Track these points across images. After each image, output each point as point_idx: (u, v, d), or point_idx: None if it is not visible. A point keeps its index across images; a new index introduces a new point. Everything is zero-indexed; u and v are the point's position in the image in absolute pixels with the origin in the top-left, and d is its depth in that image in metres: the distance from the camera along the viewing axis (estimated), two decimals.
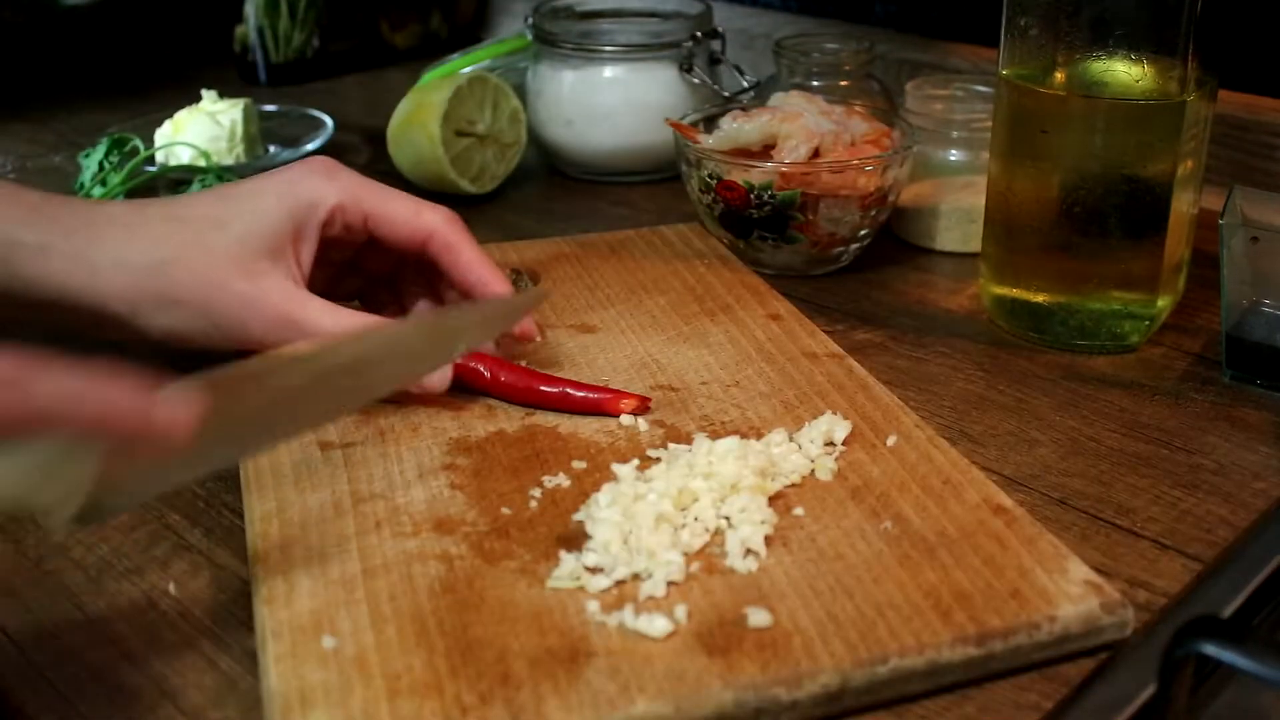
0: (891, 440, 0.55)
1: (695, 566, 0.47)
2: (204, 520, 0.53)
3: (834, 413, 0.56)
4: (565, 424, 0.57)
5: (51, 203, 0.57)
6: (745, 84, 0.91)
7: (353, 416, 0.57)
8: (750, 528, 0.48)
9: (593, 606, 0.45)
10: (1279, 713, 0.46)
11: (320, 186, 0.58)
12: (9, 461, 0.37)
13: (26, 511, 0.39)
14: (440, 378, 0.57)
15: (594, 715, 0.40)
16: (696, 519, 0.49)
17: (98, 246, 0.55)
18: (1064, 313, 0.67)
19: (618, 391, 0.58)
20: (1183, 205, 0.65)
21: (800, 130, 0.73)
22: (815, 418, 0.56)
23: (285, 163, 0.96)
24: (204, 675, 0.45)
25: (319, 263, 0.59)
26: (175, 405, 0.39)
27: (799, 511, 0.50)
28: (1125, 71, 0.62)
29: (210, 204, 0.58)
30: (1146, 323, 0.66)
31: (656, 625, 0.43)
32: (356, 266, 0.64)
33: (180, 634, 0.47)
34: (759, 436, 0.55)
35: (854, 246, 0.76)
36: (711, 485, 0.50)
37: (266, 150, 0.97)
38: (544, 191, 0.93)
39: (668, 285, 0.71)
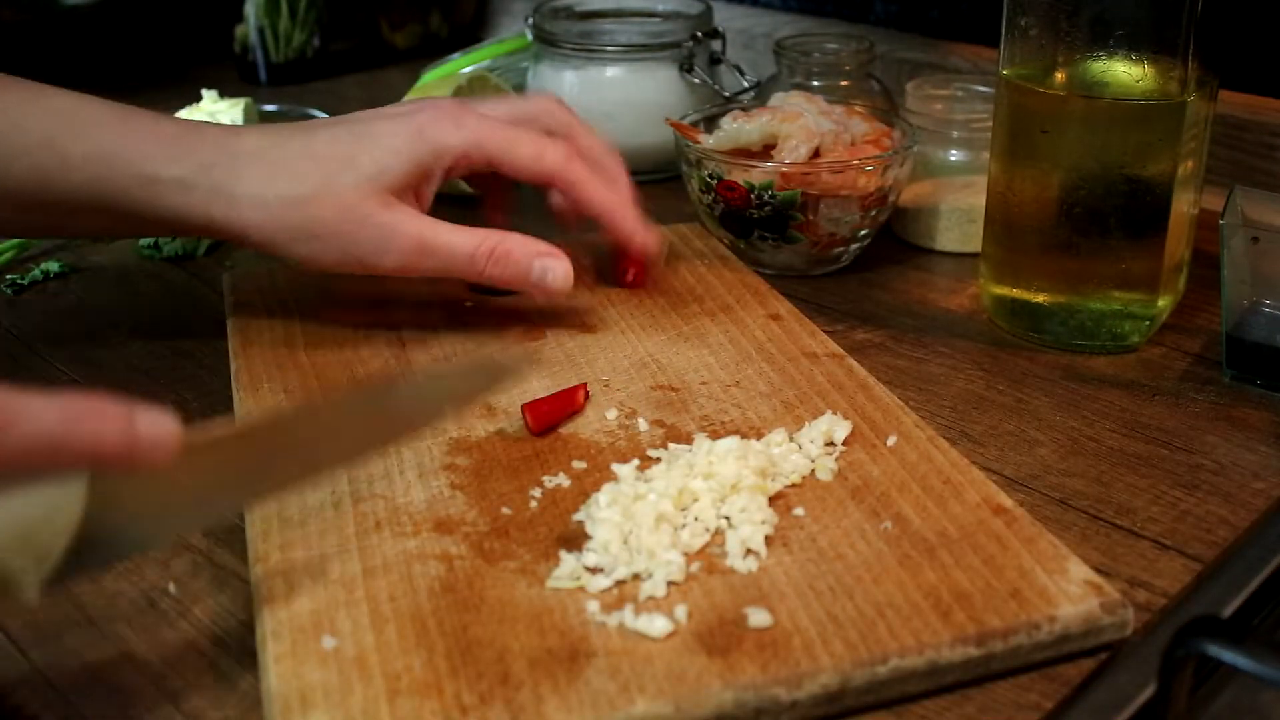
0: (891, 440, 0.55)
1: (695, 566, 0.47)
2: None
3: (834, 413, 0.56)
4: (565, 424, 0.57)
5: (190, 134, 0.60)
6: (745, 84, 0.91)
7: None
8: (750, 528, 0.48)
9: (593, 606, 0.45)
10: (1279, 713, 0.46)
11: (448, 134, 0.60)
12: None
13: None
14: (564, 274, 0.62)
15: (594, 715, 0.40)
16: (696, 519, 0.49)
17: (237, 181, 0.58)
18: (1064, 313, 0.67)
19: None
20: (1183, 205, 0.65)
21: (800, 130, 0.73)
22: (815, 418, 0.56)
23: None
24: (204, 675, 0.45)
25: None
26: (157, 423, 0.39)
27: (799, 511, 0.50)
28: (1125, 71, 0.62)
29: (344, 143, 0.60)
30: (1146, 323, 0.66)
31: (656, 625, 0.43)
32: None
33: (180, 634, 0.47)
34: (759, 436, 0.55)
35: (854, 246, 0.76)
36: (711, 485, 0.50)
37: None
38: (544, 191, 0.93)
39: (668, 285, 0.71)
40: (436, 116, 0.61)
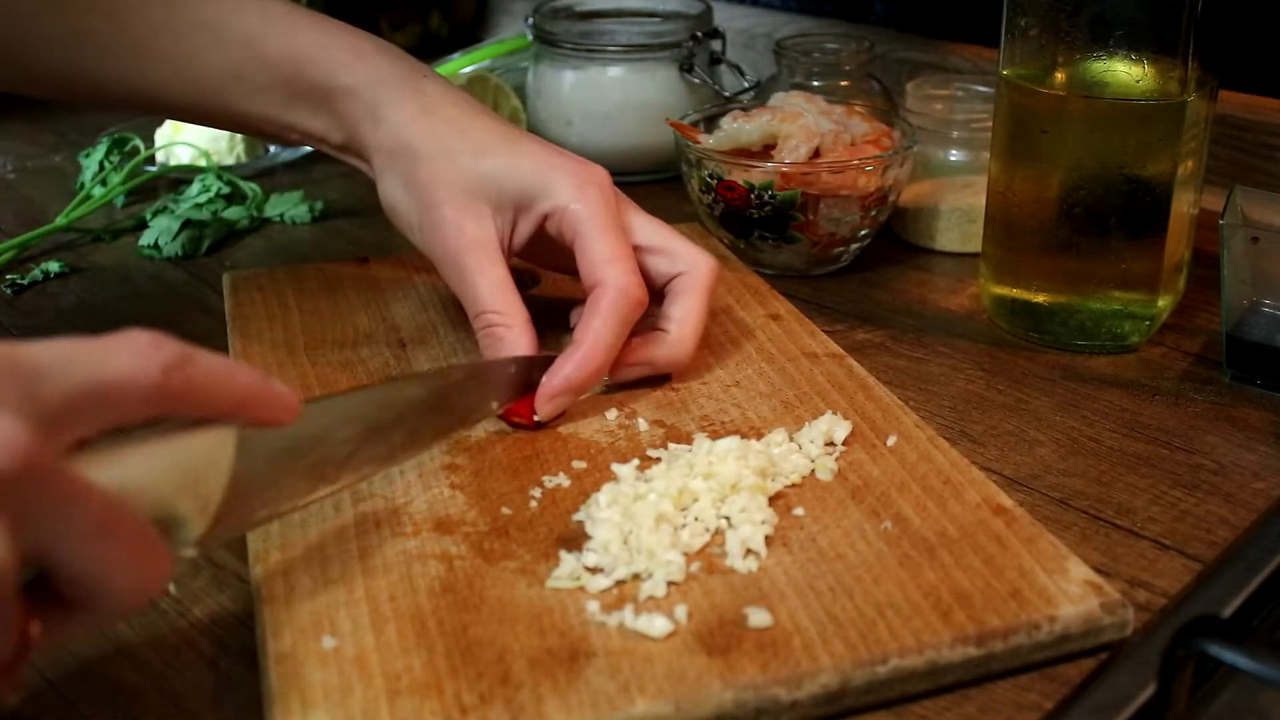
0: (891, 440, 0.55)
1: (695, 566, 0.47)
2: None
3: (834, 413, 0.56)
4: (565, 424, 0.57)
5: (380, 53, 0.63)
6: (745, 84, 0.91)
7: None
8: (750, 528, 0.48)
9: (593, 606, 0.45)
10: (1279, 713, 0.46)
11: (566, 187, 0.59)
12: (161, 459, 0.38)
13: (165, 519, 0.39)
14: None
15: (594, 715, 0.40)
16: (696, 519, 0.49)
17: (392, 106, 0.61)
18: (1064, 313, 0.67)
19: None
20: (1183, 205, 0.65)
21: (800, 130, 0.73)
22: (815, 418, 0.56)
23: (285, 163, 0.97)
24: (204, 675, 0.45)
25: (538, 247, 0.61)
26: (286, 388, 0.42)
27: (799, 511, 0.50)
28: (1125, 71, 0.62)
29: (492, 135, 0.61)
30: (1146, 323, 0.66)
31: (656, 625, 0.43)
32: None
33: (180, 634, 0.47)
34: (759, 436, 0.55)
35: (854, 246, 0.76)
36: (711, 485, 0.50)
37: (266, 150, 0.97)
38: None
39: None
40: (573, 170, 0.59)
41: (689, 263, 0.60)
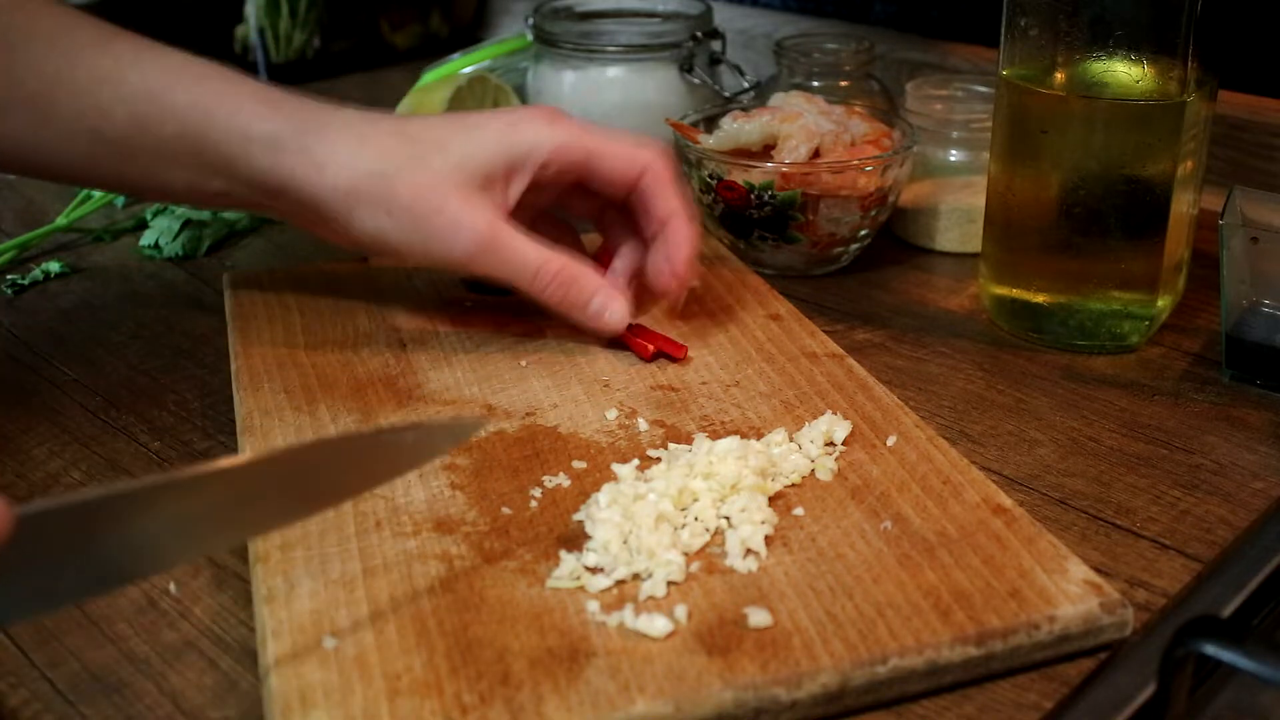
0: (891, 440, 0.55)
1: (695, 566, 0.47)
2: None
3: (834, 413, 0.56)
4: (565, 424, 0.57)
5: (289, 100, 0.61)
6: (745, 84, 0.91)
7: (352, 416, 0.57)
8: (750, 528, 0.48)
9: (593, 606, 0.45)
10: (1279, 713, 0.46)
11: (541, 130, 0.60)
12: None
13: None
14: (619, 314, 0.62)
15: (594, 715, 0.40)
16: (696, 519, 0.49)
17: (327, 147, 0.59)
18: (1064, 313, 0.67)
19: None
20: (1183, 205, 0.65)
21: (800, 130, 0.73)
22: (815, 418, 0.56)
23: None
24: (204, 675, 0.45)
25: (519, 207, 0.61)
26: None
27: (799, 511, 0.50)
28: (1125, 72, 0.62)
29: (436, 128, 0.60)
30: (1146, 323, 0.66)
31: (656, 625, 0.43)
32: (556, 212, 0.66)
33: (180, 634, 0.47)
34: (759, 436, 0.55)
35: (854, 246, 0.76)
36: (711, 485, 0.50)
37: None
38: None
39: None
40: (532, 116, 0.61)
41: (644, 160, 0.61)
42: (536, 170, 0.60)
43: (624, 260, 0.65)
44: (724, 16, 1.00)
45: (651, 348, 0.62)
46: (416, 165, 0.59)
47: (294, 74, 1.20)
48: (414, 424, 0.53)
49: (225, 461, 0.41)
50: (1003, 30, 0.65)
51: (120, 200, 0.88)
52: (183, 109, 0.59)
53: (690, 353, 0.63)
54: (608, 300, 0.61)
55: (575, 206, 0.66)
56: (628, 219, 0.65)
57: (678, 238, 0.61)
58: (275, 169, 0.59)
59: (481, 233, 0.59)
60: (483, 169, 0.59)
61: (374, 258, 0.74)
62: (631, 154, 0.61)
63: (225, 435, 0.60)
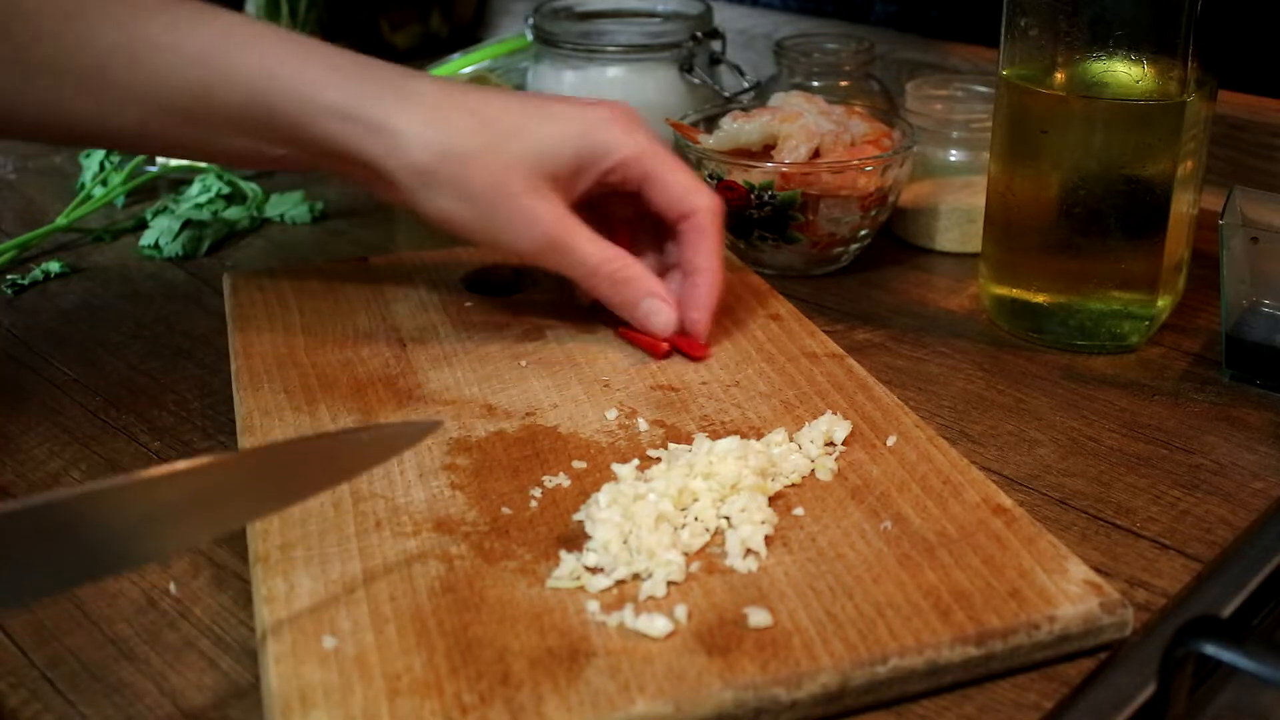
0: (891, 440, 0.55)
1: (695, 566, 0.47)
2: None
3: (834, 413, 0.56)
4: (565, 424, 0.57)
5: (358, 65, 0.59)
6: (745, 84, 0.91)
7: (352, 416, 0.57)
8: (750, 528, 0.48)
9: (593, 606, 0.45)
10: (1279, 712, 0.46)
11: (619, 138, 0.60)
12: None
13: None
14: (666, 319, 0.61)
15: (594, 715, 0.40)
16: (696, 519, 0.49)
17: (400, 120, 0.58)
18: (1064, 313, 0.67)
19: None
20: (1183, 205, 0.65)
21: (800, 130, 0.73)
22: (815, 418, 0.56)
23: None
24: (204, 675, 0.45)
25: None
26: None
27: (799, 511, 0.50)
28: (1125, 72, 0.62)
29: (514, 112, 0.60)
30: (1146, 323, 0.66)
31: (656, 625, 0.43)
32: (597, 207, 0.65)
33: (180, 634, 0.47)
34: (759, 436, 0.55)
35: (854, 246, 0.76)
36: (711, 485, 0.50)
37: None
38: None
39: None
40: (612, 119, 0.60)
41: (693, 205, 0.61)
42: (602, 174, 0.60)
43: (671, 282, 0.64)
44: (724, 16, 1.00)
45: (666, 346, 0.62)
46: (491, 150, 0.58)
47: None
48: (370, 425, 0.54)
49: (186, 463, 0.41)
50: (1003, 30, 0.65)
51: (120, 200, 0.88)
52: (245, 76, 0.58)
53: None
54: (659, 304, 0.61)
55: (615, 207, 0.65)
56: (659, 236, 0.65)
57: (697, 295, 0.62)
58: (344, 138, 0.58)
59: (551, 227, 0.59)
60: (556, 163, 0.59)
61: (375, 257, 0.74)
62: (684, 195, 0.61)
63: (225, 435, 0.60)
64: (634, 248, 0.65)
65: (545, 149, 0.59)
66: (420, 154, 0.58)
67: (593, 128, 0.60)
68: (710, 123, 0.78)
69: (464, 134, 0.58)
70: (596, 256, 0.60)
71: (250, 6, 1.17)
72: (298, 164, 0.61)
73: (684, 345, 0.62)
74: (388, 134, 0.58)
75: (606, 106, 0.61)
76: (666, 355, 0.62)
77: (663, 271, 0.65)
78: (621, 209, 0.65)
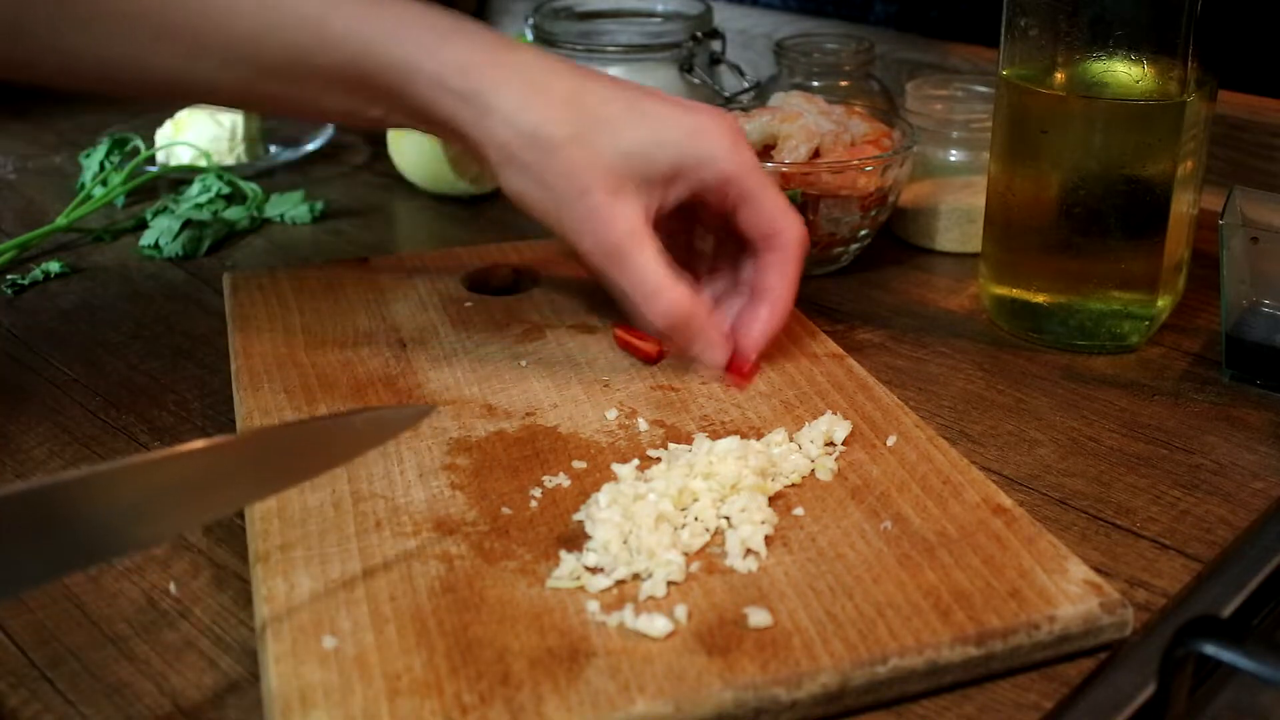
0: (891, 440, 0.55)
1: (695, 566, 0.47)
2: None
3: (834, 413, 0.56)
4: (565, 424, 0.57)
5: (457, 32, 0.57)
6: (745, 84, 0.91)
7: None
8: (750, 528, 0.48)
9: (593, 606, 0.45)
10: (1279, 712, 0.46)
11: (722, 150, 0.57)
12: None
13: None
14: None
15: (594, 715, 0.40)
16: (696, 519, 0.49)
17: (495, 94, 0.56)
18: (1064, 313, 0.67)
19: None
20: (1183, 205, 0.65)
21: (800, 130, 0.73)
22: (815, 418, 0.56)
23: (286, 163, 0.97)
24: (204, 675, 0.45)
25: None
26: None
27: (799, 511, 0.50)
28: (1125, 72, 0.62)
29: (613, 103, 0.57)
30: (1146, 323, 0.66)
31: (656, 625, 0.43)
32: (685, 213, 0.63)
33: (180, 634, 0.47)
34: (759, 436, 0.55)
35: (854, 246, 0.76)
36: (711, 485, 0.50)
37: (267, 150, 0.97)
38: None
39: None
40: (719, 128, 0.57)
41: (780, 229, 0.59)
42: (699, 186, 0.58)
43: (728, 309, 0.62)
44: (724, 16, 1.00)
45: (656, 352, 0.62)
46: (580, 142, 0.56)
47: None
48: (365, 409, 0.53)
49: (181, 447, 0.41)
50: (1003, 30, 0.65)
51: (120, 200, 0.88)
52: (341, 38, 0.56)
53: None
54: (708, 345, 0.59)
55: (703, 215, 0.63)
56: (739, 251, 0.62)
57: (757, 318, 0.59)
58: (439, 106, 0.57)
59: (617, 235, 0.56)
60: (648, 167, 0.56)
61: (375, 257, 0.74)
62: (775, 217, 0.59)
63: (225, 435, 0.60)
64: (715, 261, 0.63)
65: (639, 149, 0.56)
66: (506, 132, 0.56)
67: (696, 136, 0.57)
68: None
69: (555, 120, 0.56)
70: (655, 281, 0.56)
71: None
72: (396, 124, 0.61)
73: (729, 368, 0.60)
74: (480, 107, 0.56)
75: (710, 114, 0.58)
76: (657, 361, 0.62)
77: (733, 288, 0.63)
78: (710, 218, 0.62)
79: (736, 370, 0.60)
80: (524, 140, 0.56)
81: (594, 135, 0.56)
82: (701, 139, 0.57)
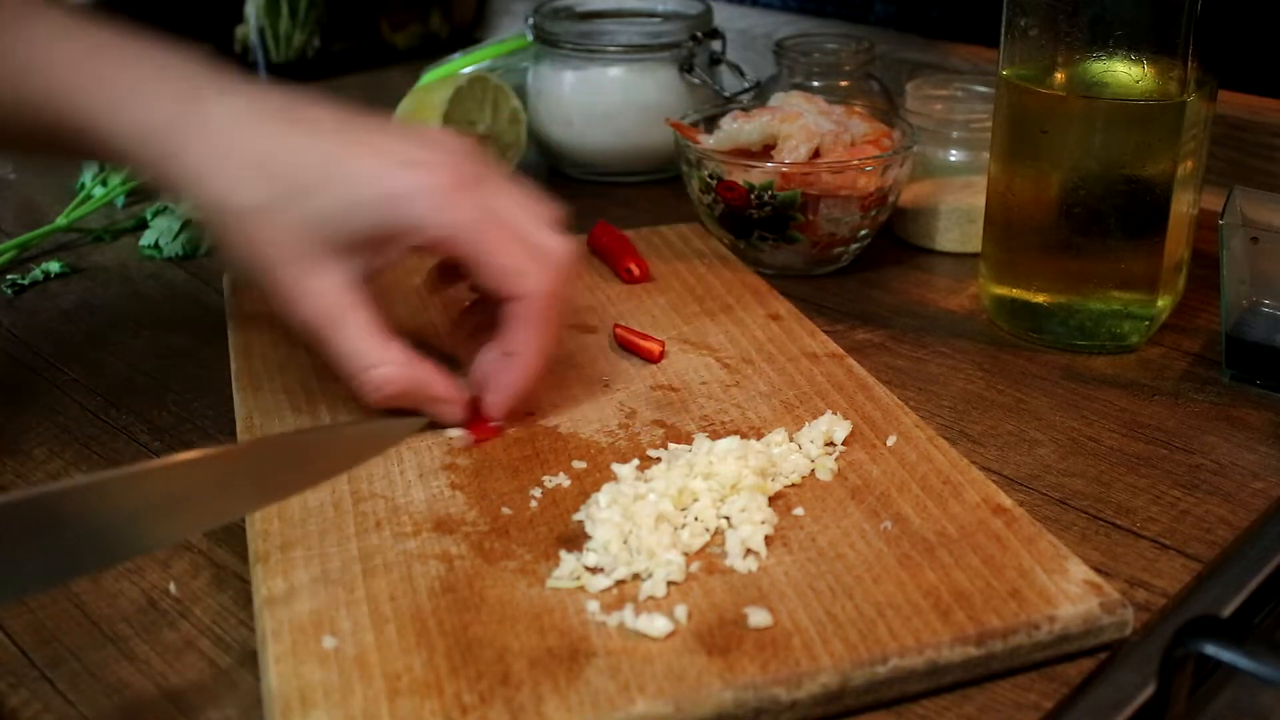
0: (891, 440, 0.55)
1: (695, 566, 0.47)
2: None
3: (834, 413, 0.56)
4: (565, 424, 0.57)
5: (167, 80, 0.53)
6: (745, 84, 0.91)
7: (352, 417, 0.57)
8: (750, 528, 0.48)
9: (593, 606, 0.45)
10: (1279, 713, 0.46)
11: (428, 216, 0.51)
12: None
13: None
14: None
15: (594, 715, 0.40)
16: (696, 519, 0.49)
17: (179, 159, 0.52)
18: (1064, 313, 0.67)
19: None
20: (1183, 205, 0.65)
21: (800, 130, 0.73)
22: (815, 418, 0.56)
23: None
24: (204, 675, 0.45)
25: None
26: None
27: (799, 511, 0.50)
28: (1125, 72, 0.62)
29: (311, 167, 0.52)
30: (1146, 323, 0.66)
31: (656, 625, 0.43)
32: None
33: (180, 634, 0.47)
34: (759, 436, 0.55)
35: (854, 246, 0.76)
36: (711, 485, 0.50)
37: None
38: (544, 191, 0.93)
39: (668, 285, 0.71)
40: (424, 188, 0.51)
41: (523, 291, 0.53)
42: (409, 250, 0.53)
43: (481, 368, 0.57)
44: (724, 16, 1.00)
45: (660, 350, 0.62)
46: (268, 210, 0.51)
47: (294, 74, 1.20)
48: (355, 421, 0.54)
49: (182, 455, 0.42)
50: (1003, 30, 0.65)
51: (120, 200, 0.88)
52: (46, 95, 0.53)
53: (690, 352, 0.63)
54: (437, 411, 0.55)
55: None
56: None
57: (501, 379, 0.55)
58: (147, 161, 0.53)
59: (315, 310, 0.52)
60: (343, 234, 0.51)
61: None
62: (508, 280, 0.53)
63: (225, 435, 0.60)
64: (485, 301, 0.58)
65: (330, 217, 0.51)
66: (206, 195, 0.52)
67: (394, 202, 0.51)
68: (710, 123, 0.78)
69: (242, 188, 0.51)
70: (361, 357, 0.52)
71: (250, 7, 1.17)
72: (112, 162, 0.58)
73: (472, 425, 0.56)
74: (168, 172, 0.53)
75: (423, 170, 0.52)
76: (659, 359, 0.62)
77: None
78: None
79: (477, 430, 0.56)
80: (211, 210, 0.52)
81: (283, 203, 0.51)
82: (400, 205, 0.51)
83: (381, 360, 0.53)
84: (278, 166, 0.52)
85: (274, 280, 0.52)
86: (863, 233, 0.75)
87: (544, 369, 0.56)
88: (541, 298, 0.53)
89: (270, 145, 0.52)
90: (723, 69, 0.93)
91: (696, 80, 0.90)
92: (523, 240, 0.53)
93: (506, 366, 0.55)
